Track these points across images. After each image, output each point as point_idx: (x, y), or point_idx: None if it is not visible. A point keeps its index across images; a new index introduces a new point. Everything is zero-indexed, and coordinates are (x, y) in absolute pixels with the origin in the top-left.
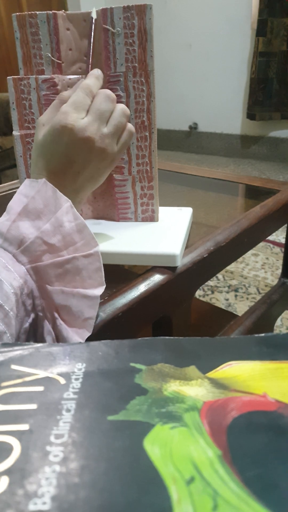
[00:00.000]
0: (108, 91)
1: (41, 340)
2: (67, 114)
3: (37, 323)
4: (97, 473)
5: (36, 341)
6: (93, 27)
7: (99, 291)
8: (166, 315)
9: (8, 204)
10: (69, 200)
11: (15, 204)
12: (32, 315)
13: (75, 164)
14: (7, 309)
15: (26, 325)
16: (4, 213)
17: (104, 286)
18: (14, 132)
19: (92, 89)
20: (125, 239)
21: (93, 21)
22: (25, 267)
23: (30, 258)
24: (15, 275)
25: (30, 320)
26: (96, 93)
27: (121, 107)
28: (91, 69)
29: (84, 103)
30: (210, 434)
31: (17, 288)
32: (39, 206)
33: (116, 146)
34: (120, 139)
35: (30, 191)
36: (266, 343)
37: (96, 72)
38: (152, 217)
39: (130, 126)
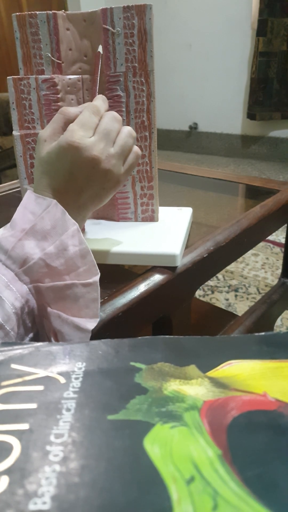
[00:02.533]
0: (115, 113)
1: None
2: (74, 132)
3: (38, 340)
4: (97, 473)
5: None
6: (100, 61)
7: (92, 324)
8: (166, 315)
9: (13, 218)
10: (76, 224)
11: (20, 220)
12: (32, 333)
13: (78, 181)
14: (8, 329)
15: (26, 340)
16: (8, 227)
17: (98, 319)
18: (14, 132)
19: (100, 109)
20: (125, 239)
21: (100, 56)
22: (27, 286)
23: (31, 278)
24: (17, 294)
25: (31, 335)
26: (103, 114)
27: (128, 128)
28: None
29: (91, 122)
30: (210, 433)
31: (18, 308)
32: (46, 227)
33: (122, 168)
34: (127, 160)
35: (36, 208)
36: (266, 342)
37: (102, 96)
38: (152, 217)
39: (136, 148)
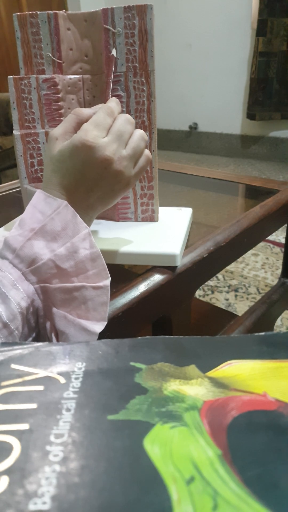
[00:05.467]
0: (128, 115)
1: None
2: (88, 131)
3: (39, 340)
4: (97, 473)
5: None
6: (113, 64)
7: (99, 327)
8: (166, 315)
9: (21, 217)
10: (88, 227)
11: (29, 220)
12: (35, 332)
13: (88, 181)
14: (12, 328)
15: (29, 340)
16: (16, 226)
17: (106, 323)
18: (14, 132)
19: (114, 111)
20: (125, 239)
21: (114, 59)
22: (33, 286)
23: (39, 278)
24: (23, 294)
25: (34, 334)
26: (117, 116)
27: (140, 131)
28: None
29: (105, 123)
30: (210, 433)
31: (24, 308)
32: (56, 228)
33: (133, 170)
34: (138, 163)
35: (46, 208)
36: (266, 342)
37: (115, 99)
38: (152, 217)
39: (147, 151)
